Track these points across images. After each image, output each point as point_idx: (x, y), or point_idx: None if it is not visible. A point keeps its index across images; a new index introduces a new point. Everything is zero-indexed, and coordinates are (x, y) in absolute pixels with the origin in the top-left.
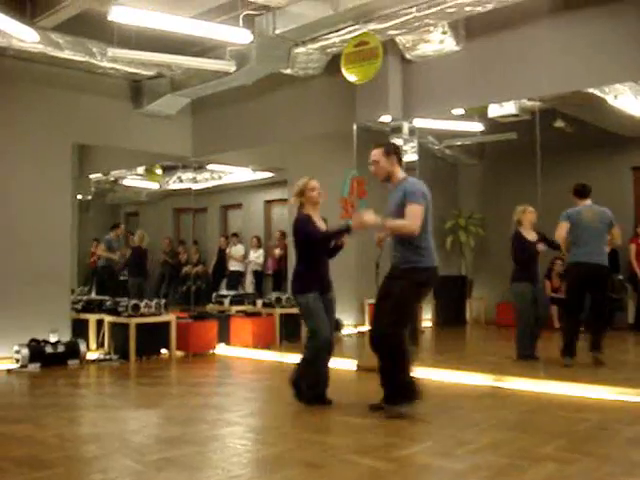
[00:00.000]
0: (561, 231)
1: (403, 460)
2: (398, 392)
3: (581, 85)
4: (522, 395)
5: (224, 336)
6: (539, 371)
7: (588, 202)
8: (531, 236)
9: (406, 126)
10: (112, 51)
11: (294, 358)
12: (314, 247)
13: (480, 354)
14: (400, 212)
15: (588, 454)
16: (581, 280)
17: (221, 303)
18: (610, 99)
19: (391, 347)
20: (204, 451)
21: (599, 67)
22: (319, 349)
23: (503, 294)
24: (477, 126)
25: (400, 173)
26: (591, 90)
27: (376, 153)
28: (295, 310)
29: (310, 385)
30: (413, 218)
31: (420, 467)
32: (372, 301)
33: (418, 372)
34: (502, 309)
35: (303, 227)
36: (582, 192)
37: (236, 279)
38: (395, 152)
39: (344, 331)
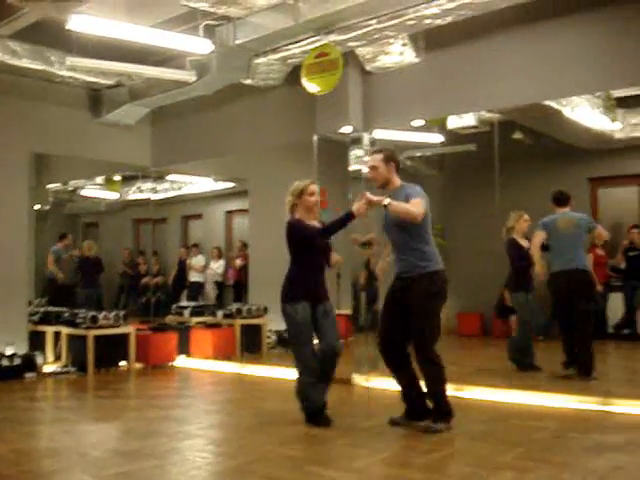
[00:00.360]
0: (536, 240)
1: (364, 470)
2: (444, 408)
3: (538, 97)
4: (482, 405)
5: (184, 348)
6: (497, 380)
7: (566, 209)
8: (525, 243)
9: (366, 137)
10: (71, 60)
11: (254, 369)
12: (310, 251)
13: None
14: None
15: (546, 462)
16: (565, 288)
17: (181, 314)
18: (567, 111)
19: (436, 368)
20: (163, 464)
21: (556, 80)
22: (301, 373)
23: (463, 304)
24: (437, 137)
25: (398, 180)
26: (548, 102)
27: (375, 159)
28: (256, 321)
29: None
30: (417, 206)
31: (381, 477)
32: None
33: (376, 383)
34: (463, 319)
35: (296, 229)
36: (559, 200)
37: (197, 290)
38: (394, 159)
39: None
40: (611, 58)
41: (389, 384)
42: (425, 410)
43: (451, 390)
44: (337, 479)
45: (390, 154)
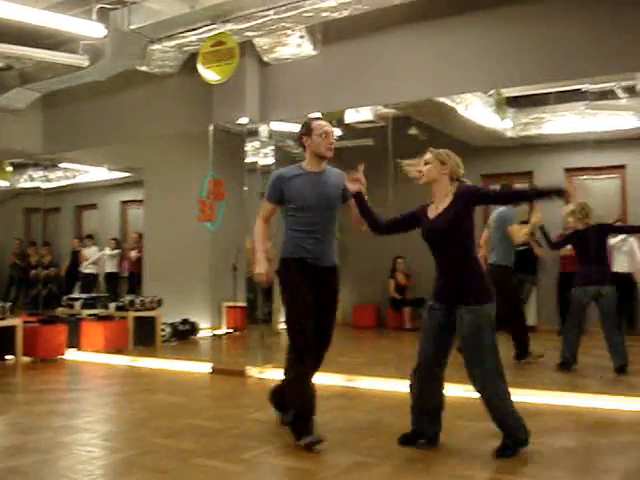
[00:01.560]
0: (480, 239)
1: (252, 461)
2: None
3: (432, 94)
4: (373, 394)
5: (74, 341)
6: (389, 370)
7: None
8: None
9: (263, 129)
10: None
11: (147, 362)
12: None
13: (334, 355)
14: None
15: (434, 450)
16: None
17: (72, 306)
18: (461, 109)
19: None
20: (49, 459)
21: (450, 77)
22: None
23: (358, 296)
24: (335, 131)
25: None
26: (442, 100)
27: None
28: (150, 313)
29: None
30: None
31: (269, 467)
32: (230, 304)
33: (269, 374)
34: (358, 311)
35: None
36: None
37: (90, 282)
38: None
39: (200, 334)
40: (502, 57)
41: (282, 376)
42: None
43: (343, 381)
44: (223, 470)
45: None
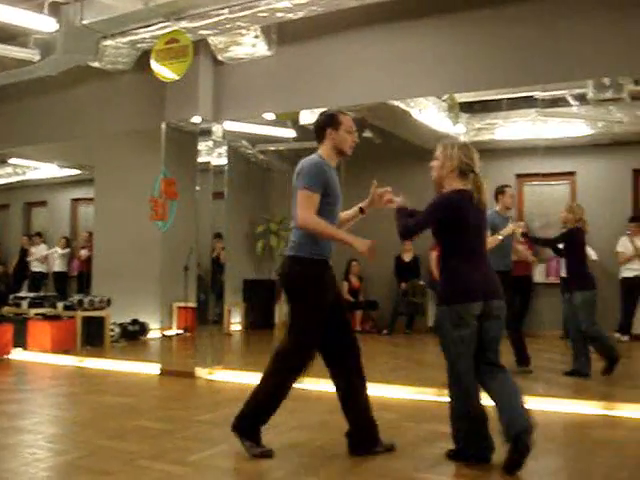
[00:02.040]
0: None
1: (198, 463)
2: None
3: (387, 97)
4: (323, 397)
5: (21, 340)
6: None
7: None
8: None
9: (216, 128)
10: None
11: (95, 363)
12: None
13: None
14: None
15: (384, 452)
16: None
17: (19, 305)
18: (415, 113)
19: None
20: None
21: (404, 81)
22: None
23: None
24: (289, 132)
25: None
26: (397, 103)
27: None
28: (99, 313)
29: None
30: None
31: (215, 469)
32: (181, 304)
33: (219, 376)
34: None
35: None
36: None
37: (39, 280)
38: None
39: (150, 334)
40: (456, 63)
41: (232, 377)
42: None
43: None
44: (169, 473)
45: None
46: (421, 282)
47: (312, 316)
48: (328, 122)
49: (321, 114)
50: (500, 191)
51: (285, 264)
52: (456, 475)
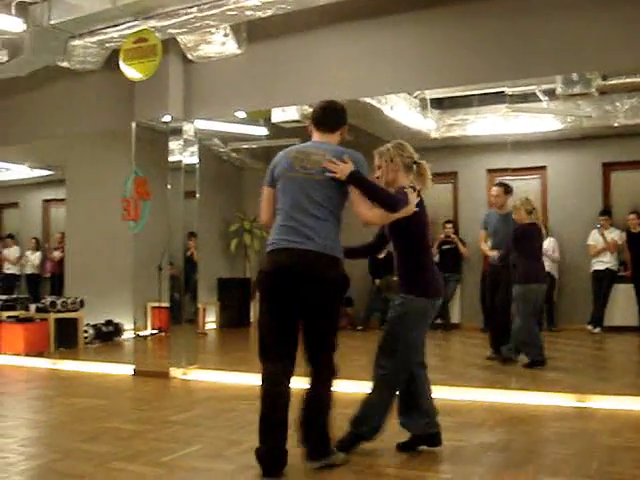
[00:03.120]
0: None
1: (171, 464)
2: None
3: (357, 94)
4: (298, 394)
5: None
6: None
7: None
8: None
9: (188, 127)
10: None
11: (69, 365)
12: None
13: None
14: None
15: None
16: None
17: None
18: (387, 110)
19: None
20: None
21: (375, 78)
22: None
23: None
24: (262, 130)
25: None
26: (368, 100)
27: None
28: (72, 315)
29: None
30: None
31: (188, 470)
32: (155, 304)
33: (194, 376)
34: None
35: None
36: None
37: (11, 283)
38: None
39: (125, 335)
40: (427, 59)
41: (207, 377)
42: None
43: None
44: (142, 474)
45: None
46: (395, 278)
47: (338, 318)
48: (347, 119)
49: (342, 105)
50: None
51: (323, 264)
52: (427, 469)
